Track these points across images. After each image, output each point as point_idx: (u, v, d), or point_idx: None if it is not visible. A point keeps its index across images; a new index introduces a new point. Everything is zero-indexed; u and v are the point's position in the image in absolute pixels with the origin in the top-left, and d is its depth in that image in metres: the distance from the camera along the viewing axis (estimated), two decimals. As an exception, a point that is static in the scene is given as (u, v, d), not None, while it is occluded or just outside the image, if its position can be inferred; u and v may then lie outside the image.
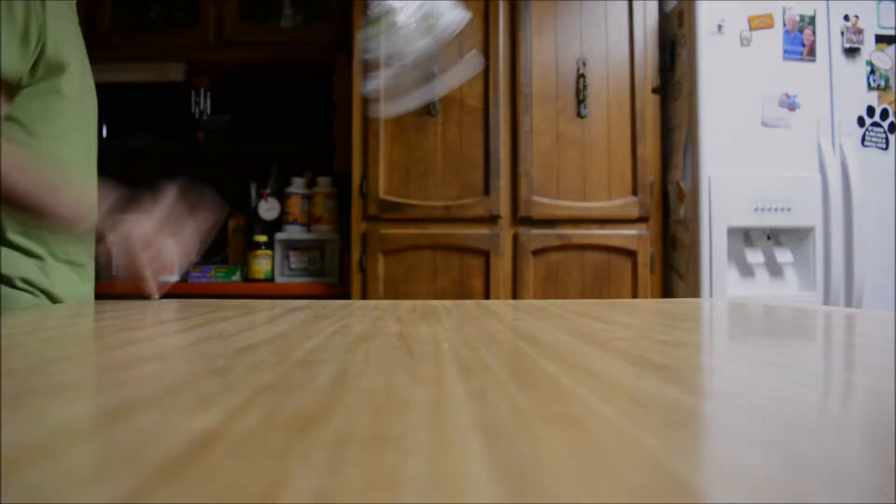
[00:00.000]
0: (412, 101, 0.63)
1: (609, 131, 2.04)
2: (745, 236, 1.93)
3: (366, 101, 1.99)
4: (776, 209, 1.89)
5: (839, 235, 1.90)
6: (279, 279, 2.20)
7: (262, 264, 2.19)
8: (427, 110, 2.00)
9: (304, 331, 0.48)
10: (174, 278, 1.04)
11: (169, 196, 0.85)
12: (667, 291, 2.06)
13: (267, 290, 2.17)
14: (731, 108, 1.89)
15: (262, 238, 2.21)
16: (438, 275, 1.98)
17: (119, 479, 0.15)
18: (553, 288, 2.02)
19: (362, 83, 0.60)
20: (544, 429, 0.20)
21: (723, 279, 1.88)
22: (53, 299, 0.95)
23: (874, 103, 1.95)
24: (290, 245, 2.22)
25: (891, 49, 1.96)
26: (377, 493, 0.14)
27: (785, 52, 1.91)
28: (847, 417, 0.24)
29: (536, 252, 2.02)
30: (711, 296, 1.87)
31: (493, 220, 2.03)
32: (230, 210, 2.43)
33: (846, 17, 1.94)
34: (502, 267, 2.01)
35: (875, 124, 1.94)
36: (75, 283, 1.01)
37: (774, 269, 1.93)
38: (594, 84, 2.03)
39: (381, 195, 2.02)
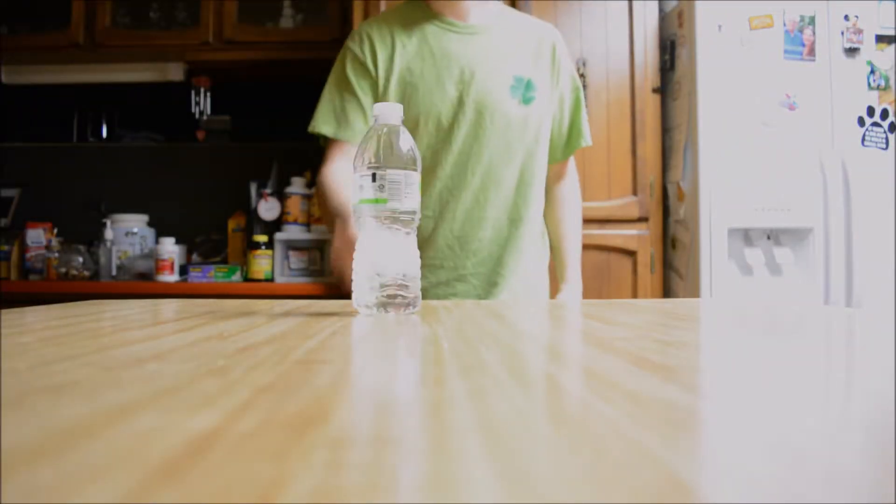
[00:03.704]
0: None
1: (609, 131, 2.04)
2: (745, 236, 1.93)
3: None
4: (776, 209, 1.89)
5: (839, 235, 1.90)
6: (279, 279, 2.20)
7: (262, 264, 2.19)
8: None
9: (304, 331, 0.48)
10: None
11: None
12: (667, 291, 2.06)
13: (267, 290, 2.16)
14: (731, 108, 1.89)
15: (262, 238, 2.20)
16: (438, 275, 1.98)
17: (119, 479, 0.15)
18: (553, 287, 2.02)
19: None
20: (544, 428, 0.20)
21: (723, 279, 1.88)
22: None
23: (874, 103, 1.95)
24: (290, 245, 2.22)
25: (891, 49, 1.96)
26: (377, 493, 0.14)
27: (785, 52, 1.91)
28: (847, 417, 0.24)
29: (536, 252, 2.02)
30: (711, 296, 1.87)
31: (493, 220, 2.02)
32: (230, 210, 2.43)
33: (846, 17, 1.94)
34: (502, 267, 2.00)
35: (875, 124, 1.94)
36: None
37: (774, 269, 1.93)
38: (594, 84, 2.03)
39: (381, 195, 2.01)
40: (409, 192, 0.63)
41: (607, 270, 2.02)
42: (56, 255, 2.28)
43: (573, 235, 1.30)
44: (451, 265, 1.16)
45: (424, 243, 1.15)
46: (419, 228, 1.15)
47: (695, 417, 0.22)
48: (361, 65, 1.14)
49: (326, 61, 2.25)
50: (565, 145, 1.27)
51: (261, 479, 0.15)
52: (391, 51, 1.14)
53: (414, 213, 0.65)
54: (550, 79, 1.20)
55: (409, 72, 1.14)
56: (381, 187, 0.62)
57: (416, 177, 0.64)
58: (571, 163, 1.32)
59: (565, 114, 1.25)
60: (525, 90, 1.16)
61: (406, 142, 0.64)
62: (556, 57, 1.22)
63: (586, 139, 1.28)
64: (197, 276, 2.22)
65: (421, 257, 1.17)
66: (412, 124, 1.14)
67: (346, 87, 1.15)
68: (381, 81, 1.14)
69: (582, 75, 2.03)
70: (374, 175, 0.63)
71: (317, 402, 0.24)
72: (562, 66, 1.22)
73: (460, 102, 1.13)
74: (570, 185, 1.32)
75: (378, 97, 1.15)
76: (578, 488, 0.15)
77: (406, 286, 0.64)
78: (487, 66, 1.15)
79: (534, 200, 1.20)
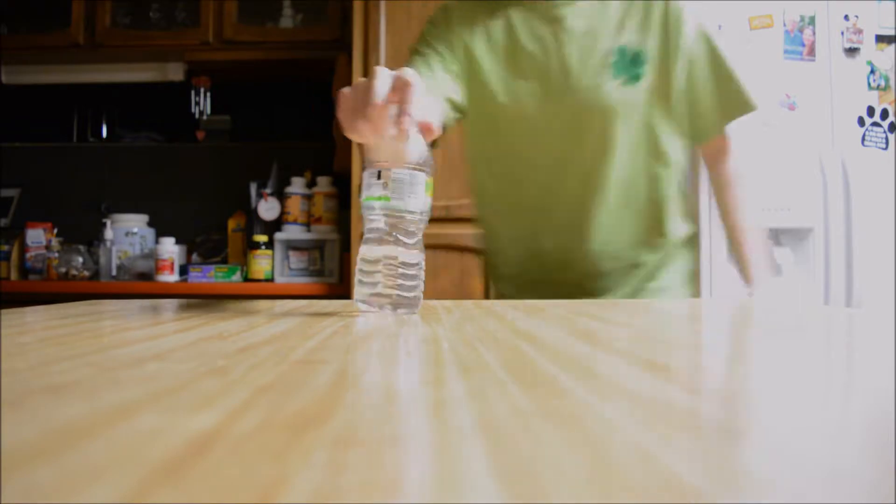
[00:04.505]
0: None
1: (609, 131, 2.04)
2: (745, 236, 1.93)
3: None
4: (776, 209, 1.89)
5: (839, 235, 1.90)
6: (279, 279, 2.20)
7: (262, 264, 2.19)
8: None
9: (304, 331, 0.48)
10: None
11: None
12: (667, 291, 2.05)
13: (267, 290, 2.16)
14: (731, 108, 1.89)
15: (262, 238, 2.21)
16: (438, 275, 1.98)
17: (119, 479, 0.15)
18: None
19: None
20: (544, 429, 0.20)
21: (723, 279, 1.88)
22: None
23: (874, 103, 1.95)
24: (290, 245, 2.22)
25: (891, 49, 1.96)
26: (377, 493, 0.14)
27: (785, 52, 1.91)
28: (847, 417, 0.24)
29: (536, 252, 2.02)
30: (711, 296, 1.87)
31: (493, 220, 2.02)
32: (230, 210, 2.43)
33: (846, 17, 1.94)
34: (502, 267, 2.00)
35: (875, 124, 1.94)
36: None
37: (774, 269, 1.93)
38: (594, 84, 2.03)
39: (381, 195, 2.01)
40: (413, 191, 0.63)
41: (607, 270, 2.02)
42: (56, 255, 2.28)
43: (745, 226, 1.05)
44: (551, 290, 0.99)
45: (514, 263, 1.04)
46: (506, 250, 1.04)
47: (695, 417, 0.22)
48: (440, 38, 0.99)
49: (326, 61, 2.26)
50: (715, 116, 1.01)
51: (261, 479, 0.15)
52: (471, 38, 0.98)
53: (416, 213, 0.63)
54: (666, 43, 0.96)
55: (491, 63, 0.98)
56: (385, 185, 0.62)
57: (422, 177, 0.63)
58: (732, 137, 1.06)
59: (700, 79, 0.99)
60: (631, 65, 0.95)
61: (416, 142, 0.63)
62: (670, 12, 0.96)
63: (748, 102, 1.00)
64: (197, 276, 2.22)
65: (510, 276, 1.06)
66: (490, 124, 1.01)
67: (418, 51, 1.00)
68: (458, 66, 0.98)
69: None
70: (378, 173, 0.63)
71: (317, 402, 0.24)
72: (681, 22, 0.96)
73: (550, 94, 0.96)
74: (734, 164, 1.06)
75: (450, 67, 0.98)
76: (578, 488, 0.15)
77: (406, 286, 0.63)
78: (582, 45, 0.96)
79: (651, 215, 1.02)
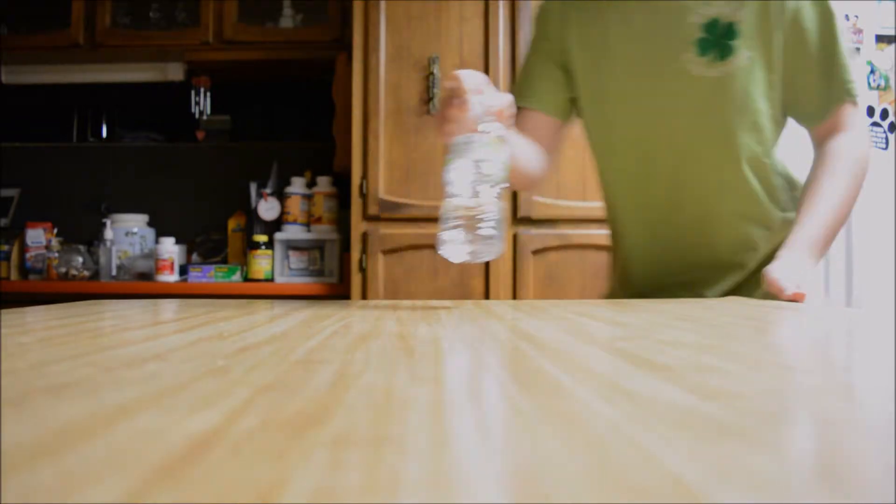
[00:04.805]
0: None
1: (609, 131, 2.04)
2: (745, 236, 1.93)
3: (366, 102, 2.00)
4: (776, 209, 1.89)
5: (838, 235, 1.90)
6: (279, 279, 2.20)
7: (262, 264, 2.19)
8: (426, 110, 2.00)
9: (304, 331, 0.48)
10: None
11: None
12: (667, 291, 2.05)
13: (267, 290, 2.16)
14: (731, 108, 1.89)
15: (262, 238, 2.21)
16: (438, 275, 1.98)
17: (119, 479, 0.15)
18: (553, 288, 2.02)
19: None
20: (544, 429, 0.20)
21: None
22: None
23: (874, 103, 1.95)
24: (290, 245, 2.22)
25: (891, 49, 1.96)
26: (377, 493, 0.14)
27: (785, 52, 1.91)
28: (847, 417, 0.24)
29: (536, 252, 2.02)
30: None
31: (493, 220, 2.02)
32: (231, 210, 2.43)
33: (846, 17, 1.94)
34: (502, 267, 2.00)
35: (875, 124, 1.94)
36: None
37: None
38: (594, 84, 2.03)
39: (381, 195, 2.02)
40: (467, 149, 0.70)
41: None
42: (56, 255, 2.28)
43: (819, 186, 0.91)
44: (634, 290, 0.98)
45: (614, 262, 1.05)
46: (615, 246, 1.02)
47: (695, 417, 0.22)
48: (541, 37, 0.99)
49: (326, 61, 2.26)
50: (819, 100, 0.90)
51: (261, 479, 0.15)
52: (566, 37, 0.95)
53: (468, 165, 0.69)
54: (767, 10, 0.85)
55: (584, 61, 0.94)
56: (447, 151, 0.72)
57: (475, 137, 0.70)
58: (849, 115, 0.92)
59: (812, 53, 0.87)
60: (722, 39, 0.85)
61: (484, 117, 0.71)
62: None
63: (847, 89, 0.89)
64: (197, 276, 2.22)
65: (616, 276, 1.04)
66: (588, 121, 0.98)
67: (526, 56, 1.02)
68: (558, 68, 0.97)
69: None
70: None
71: (317, 402, 0.24)
72: None
73: (636, 85, 0.90)
74: (844, 138, 0.92)
75: (557, 71, 0.97)
76: (578, 488, 0.15)
77: (478, 231, 0.68)
78: (668, 22, 0.87)
79: (751, 200, 0.94)
